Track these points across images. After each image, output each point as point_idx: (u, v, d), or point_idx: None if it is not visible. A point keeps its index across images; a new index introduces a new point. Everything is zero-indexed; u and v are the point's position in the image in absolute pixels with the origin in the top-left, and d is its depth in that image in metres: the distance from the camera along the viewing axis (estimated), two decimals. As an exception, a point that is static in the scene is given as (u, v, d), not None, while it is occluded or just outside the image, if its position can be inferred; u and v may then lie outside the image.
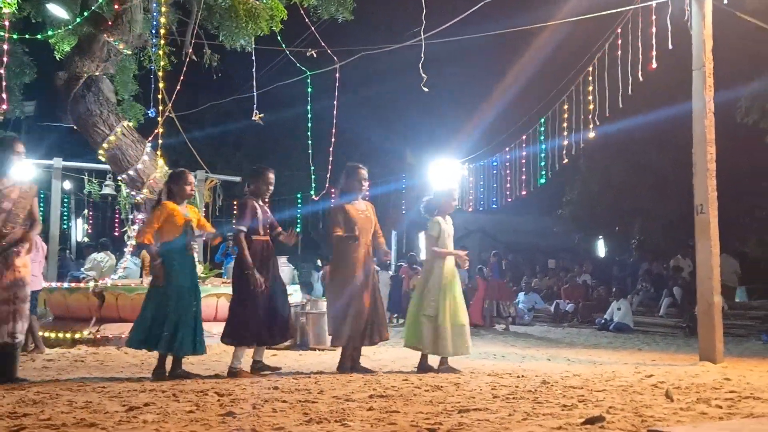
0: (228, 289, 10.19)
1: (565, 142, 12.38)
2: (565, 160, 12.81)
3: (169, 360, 6.78)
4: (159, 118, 12.04)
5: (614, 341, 13.39)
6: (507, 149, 16.41)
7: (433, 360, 7.39)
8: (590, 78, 10.98)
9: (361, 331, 7.18)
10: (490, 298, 16.21)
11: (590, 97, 10.94)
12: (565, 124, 12.20)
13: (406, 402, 4.99)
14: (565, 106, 12.01)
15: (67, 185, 20.25)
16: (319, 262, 22.90)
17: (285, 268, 12.22)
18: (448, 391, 5.61)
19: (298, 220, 23.93)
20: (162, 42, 12.03)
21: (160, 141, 11.96)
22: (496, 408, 4.71)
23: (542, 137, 13.80)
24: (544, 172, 14.88)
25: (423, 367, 7.29)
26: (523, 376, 6.80)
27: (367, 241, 7.33)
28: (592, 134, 11.30)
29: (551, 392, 5.51)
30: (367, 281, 7.25)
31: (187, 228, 6.84)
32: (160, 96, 11.96)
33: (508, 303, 16.53)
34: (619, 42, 9.82)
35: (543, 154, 14.50)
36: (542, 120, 13.34)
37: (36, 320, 9.83)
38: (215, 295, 10.51)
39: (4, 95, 11.38)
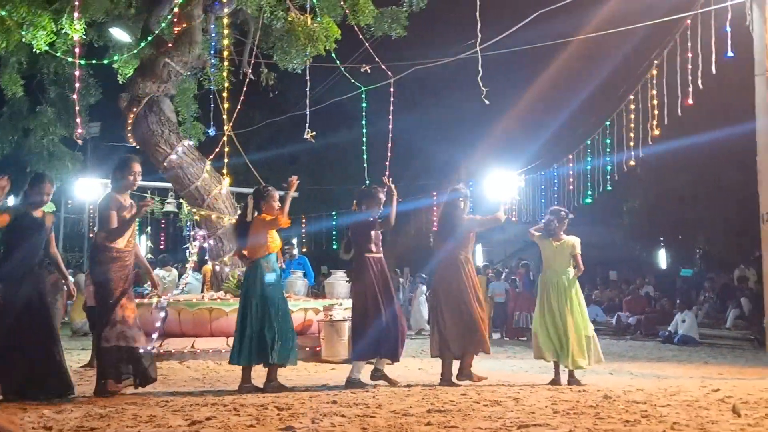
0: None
1: (625, 151, 12.27)
2: (626, 169, 12.69)
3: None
4: (224, 137, 12.31)
5: (679, 354, 13.04)
6: (563, 160, 16.25)
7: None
8: (649, 86, 10.83)
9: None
10: (520, 310, 16.05)
11: (651, 104, 10.79)
12: (624, 132, 12.08)
13: (464, 417, 4.96)
14: (628, 114, 11.90)
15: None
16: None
17: (298, 282, 12.33)
18: (507, 406, 5.55)
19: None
20: (226, 63, 12.30)
21: (226, 160, 12.23)
22: (557, 424, 4.65)
23: (608, 142, 13.64)
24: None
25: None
26: (584, 390, 6.69)
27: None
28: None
29: (613, 407, 5.40)
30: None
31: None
32: (224, 116, 12.25)
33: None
34: (678, 49, 9.65)
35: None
36: (607, 123, 13.15)
37: None
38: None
39: (78, 120, 11.73)
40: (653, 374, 9.11)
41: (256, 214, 7.10)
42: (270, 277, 6.95)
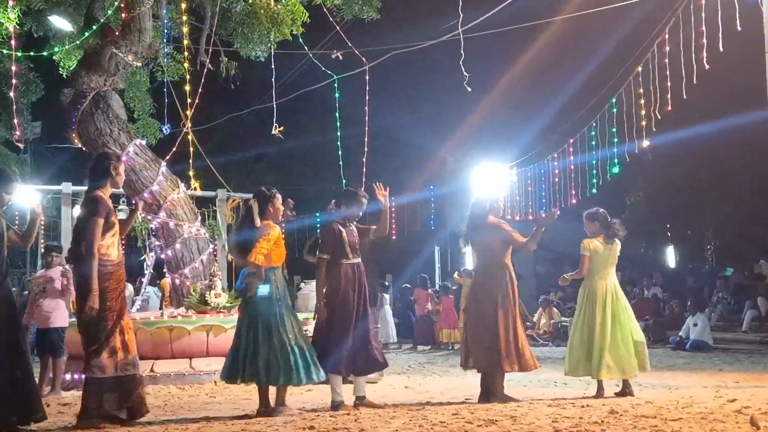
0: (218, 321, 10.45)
1: (626, 140, 12.33)
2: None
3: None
4: (188, 135, 12.21)
5: (691, 362, 13.16)
6: (559, 150, 16.30)
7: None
8: (650, 66, 10.88)
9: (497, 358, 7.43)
10: None
11: (653, 87, 10.85)
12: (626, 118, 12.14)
13: (456, 440, 4.96)
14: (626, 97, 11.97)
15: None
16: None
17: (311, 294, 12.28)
18: (503, 425, 5.55)
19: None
20: (186, 53, 12.24)
21: (190, 161, 12.15)
22: (558, 444, 4.66)
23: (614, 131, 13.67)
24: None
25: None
26: (588, 405, 6.71)
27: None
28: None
29: (620, 423, 5.42)
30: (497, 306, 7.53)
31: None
32: (189, 111, 12.16)
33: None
34: (681, 26, 9.71)
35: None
36: (613, 101, 13.14)
37: (64, 361, 9.99)
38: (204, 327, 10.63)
39: (16, 121, 11.51)
40: (663, 384, 9.17)
41: (260, 221, 7.00)
42: (263, 289, 6.92)
